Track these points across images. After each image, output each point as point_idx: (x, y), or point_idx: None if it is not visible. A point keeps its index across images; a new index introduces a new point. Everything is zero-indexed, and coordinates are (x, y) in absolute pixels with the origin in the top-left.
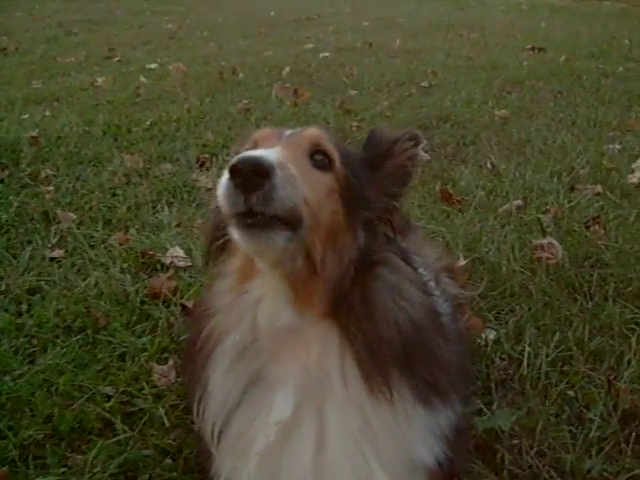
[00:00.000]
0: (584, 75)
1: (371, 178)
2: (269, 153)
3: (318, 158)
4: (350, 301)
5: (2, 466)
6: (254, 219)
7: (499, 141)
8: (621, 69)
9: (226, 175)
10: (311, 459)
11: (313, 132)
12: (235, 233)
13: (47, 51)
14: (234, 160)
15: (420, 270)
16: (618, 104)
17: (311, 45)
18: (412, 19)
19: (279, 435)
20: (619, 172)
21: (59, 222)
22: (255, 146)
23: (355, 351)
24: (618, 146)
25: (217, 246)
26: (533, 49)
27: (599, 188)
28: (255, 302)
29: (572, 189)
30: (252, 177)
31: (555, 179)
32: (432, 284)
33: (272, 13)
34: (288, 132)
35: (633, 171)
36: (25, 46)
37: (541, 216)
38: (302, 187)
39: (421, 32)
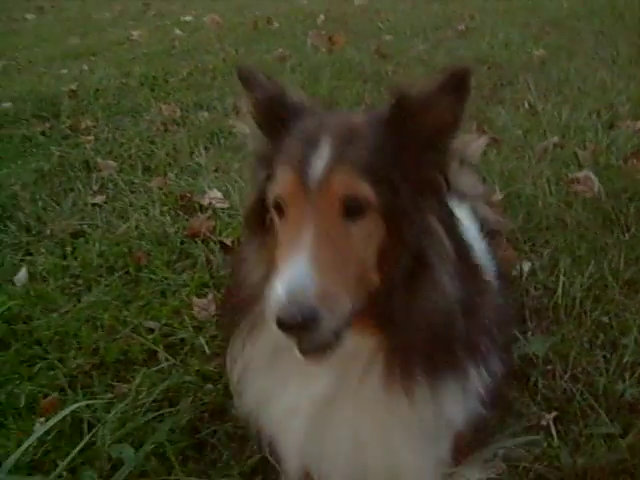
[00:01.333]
0: (627, 13)
1: (407, 153)
2: (306, 287)
3: (353, 207)
4: (395, 311)
5: (53, 393)
6: (314, 354)
7: (537, 81)
8: None
9: (273, 320)
10: (349, 433)
11: (341, 181)
12: (297, 355)
13: (82, 7)
14: (278, 314)
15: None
16: None
17: None
18: None
19: (323, 408)
20: None
21: (100, 170)
22: (281, 204)
23: (386, 348)
24: None
25: (256, 221)
26: None
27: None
28: None
29: (611, 126)
30: (299, 331)
31: (594, 117)
32: (468, 212)
33: None
34: (314, 179)
35: None
36: (60, 3)
37: (578, 150)
38: (347, 301)
39: None
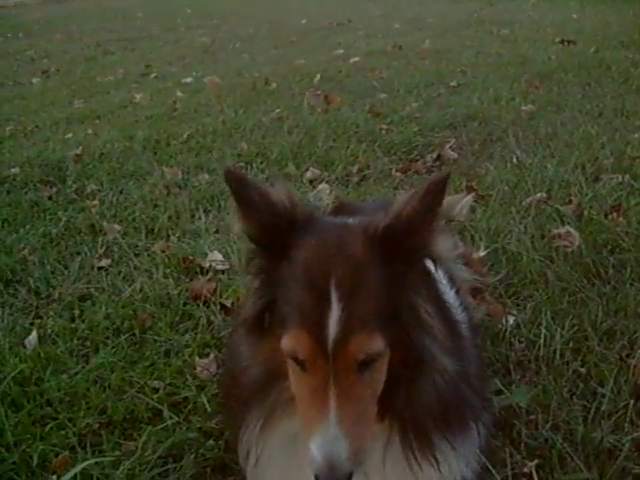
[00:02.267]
0: (613, 65)
1: (402, 268)
2: (341, 453)
3: (369, 362)
4: (396, 400)
5: (64, 451)
6: None
7: (525, 136)
8: None
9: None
10: None
11: (358, 346)
12: None
13: (87, 71)
14: (318, 477)
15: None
16: None
17: (342, 51)
18: (442, 18)
19: None
20: None
21: (105, 233)
22: (303, 364)
23: (401, 432)
24: None
25: (256, 330)
26: (563, 42)
27: (624, 177)
28: None
29: (596, 179)
30: None
31: (579, 170)
32: (444, 279)
33: (303, 21)
34: (330, 344)
35: None
36: (65, 67)
37: (560, 207)
38: (368, 444)
39: (451, 31)
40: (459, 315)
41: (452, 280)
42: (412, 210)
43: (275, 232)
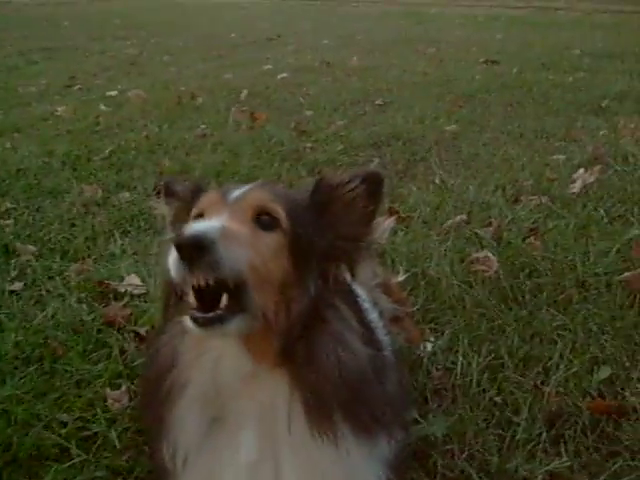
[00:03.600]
0: (534, 87)
1: (321, 225)
2: (212, 226)
3: (264, 219)
4: (297, 352)
5: None
6: (206, 316)
7: (449, 156)
8: (570, 79)
9: (172, 247)
10: None
11: (256, 195)
12: (189, 325)
13: (8, 81)
14: (178, 237)
15: (360, 293)
16: (565, 114)
17: (270, 66)
18: (371, 35)
19: (246, 474)
20: (561, 182)
21: (19, 255)
22: (202, 213)
23: (302, 398)
24: (562, 156)
25: (174, 302)
26: (487, 62)
27: (542, 199)
28: (216, 360)
29: (516, 201)
30: (195, 252)
31: (499, 192)
32: (368, 304)
33: (232, 35)
34: (233, 195)
35: (575, 181)
36: None
37: (478, 230)
38: (246, 254)
39: (378, 49)
40: (382, 336)
41: (375, 304)
42: (344, 181)
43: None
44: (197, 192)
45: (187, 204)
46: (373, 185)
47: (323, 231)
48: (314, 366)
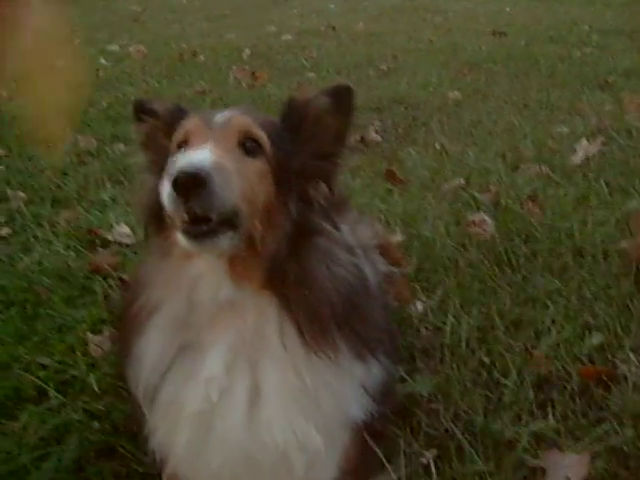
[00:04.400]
0: (541, 59)
1: (296, 146)
2: (204, 157)
3: (249, 145)
4: (287, 272)
5: None
6: (198, 228)
7: (450, 123)
8: (578, 54)
9: (167, 183)
10: (244, 417)
11: (241, 121)
12: (180, 239)
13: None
14: (173, 172)
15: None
16: (571, 88)
17: (274, 28)
18: (378, 1)
19: (211, 394)
20: (562, 153)
21: (9, 200)
22: (187, 140)
23: (293, 316)
24: (566, 129)
25: (155, 222)
26: (494, 33)
27: (542, 168)
28: (195, 278)
29: (516, 168)
30: (191, 187)
31: (499, 159)
32: (362, 260)
33: None
34: (217, 120)
35: (576, 152)
36: None
37: (476, 193)
38: (237, 184)
39: (385, 15)
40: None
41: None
42: (311, 98)
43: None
44: (177, 114)
45: (166, 125)
46: (342, 98)
47: (298, 151)
48: (307, 283)
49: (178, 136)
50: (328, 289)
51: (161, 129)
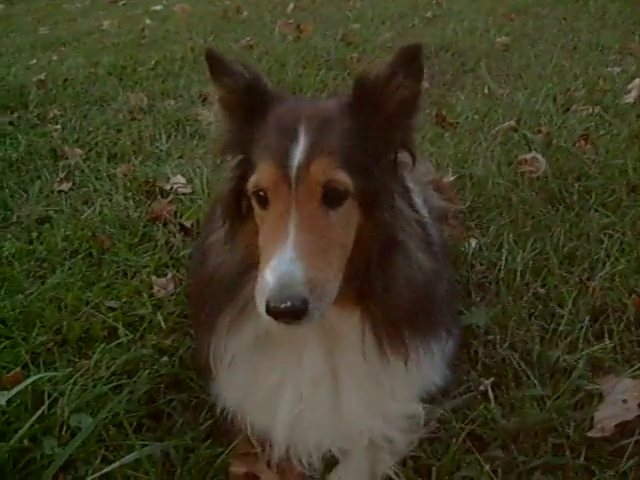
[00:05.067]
0: (591, 0)
1: (374, 133)
2: (298, 281)
3: (333, 195)
4: (374, 285)
5: (16, 368)
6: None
7: (498, 68)
8: None
9: (262, 304)
10: (329, 407)
11: (321, 170)
12: (268, 321)
13: None
14: (269, 301)
15: (410, 186)
16: (622, 28)
17: None
18: None
19: (306, 390)
20: (615, 93)
21: (67, 158)
22: (265, 194)
23: (373, 323)
24: (617, 69)
25: (234, 212)
26: None
27: (594, 109)
28: None
29: (567, 110)
30: (290, 317)
31: (550, 101)
32: (419, 199)
33: None
34: (296, 171)
35: (629, 91)
36: None
37: (527, 133)
38: (331, 281)
39: None
40: (433, 233)
41: (426, 201)
42: (382, 72)
43: (251, 93)
44: (251, 90)
45: (244, 97)
46: (413, 62)
47: (375, 135)
48: (389, 293)
49: (255, 184)
50: (405, 298)
51: (239, 99)
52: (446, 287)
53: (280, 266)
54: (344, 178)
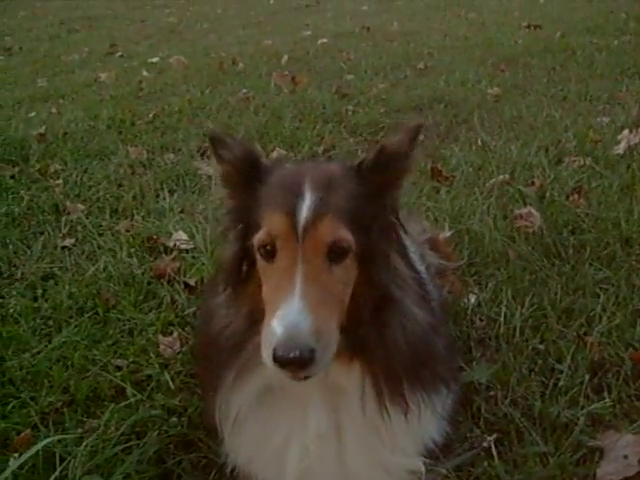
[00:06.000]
0: (578, 50)
1: (377, 197)
2: (304, 330)
3: (337, 253)
4: (368, 339)
5: (26, 430)
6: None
7: (491, 119)
8: (616, 43)
9: (268, 354)
10: (335, 463)
11: (327, 228)
12: (276, 372)
13: (51, 49)
14: (277, 350)
15: (407, 243)
16: (610, 78)
17: (309, 32)
18: (411, 1)
19: (313, 446)
20: (605, 144)
21: (69, 213)
22: (273, 247)
23: (373, 377)
24: (606, 119)
25: (236, 276)
26: (529, 26)
27: (585, 160)
28: None
29: (559, 162)
30: (297, 366)
31: (542, 153)
32: (417, 256)
33: (271, 1)
34: (301, 225)
35: (619, 142)
36: (29, 45)
37: (522, 187)
38: (334, 330)
39: (419, 14)
40: (430, 289)
41: (423, 259)
42: (388, 144)
43: (250, 161)
44: (248, 159)
45: (240, 171)
46: (416, 136)
47: (378, 196)
48: (385, 347)
49: (263, 237)
50: (402, 350)
51: (233, 173)
52: (444, 342)
53: (288, 316)
54: (348, 237)
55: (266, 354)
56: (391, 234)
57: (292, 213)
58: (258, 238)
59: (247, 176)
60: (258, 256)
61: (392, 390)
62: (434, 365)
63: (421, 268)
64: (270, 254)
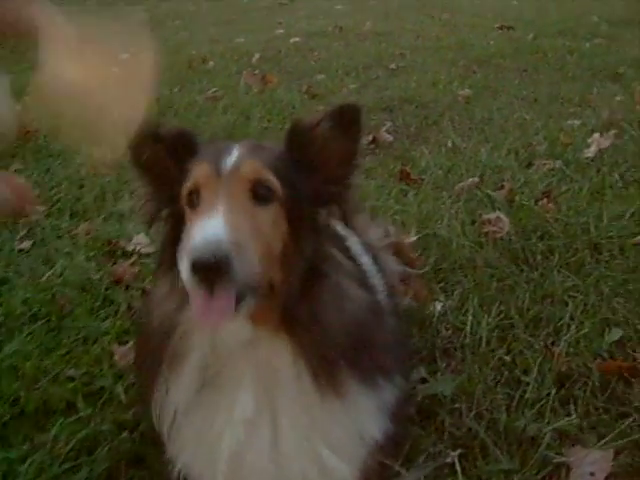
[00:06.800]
0: (550, 52)
1: (305, 174)
2: (221, 235)
3: (260, 192)
4: (299, 314)
5: None
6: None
7: (461, 120)
8: (587, 45)
9: (186, 264)
10: (268, 450)
11: (251, 167)
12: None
13: (17, 43)
14: (191, 252)
15: (355, 249)
16: (581, 80)
17: (282, 31)
18: (384, 1)
19: (243, 432)
20: (575, 147)
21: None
22: (197, 189)
23: (307, 358)
24: (577, 122)
25: (171, 258)
26: (502, 28)
27: (556, 163)
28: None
29: (529, 165)
30: (212, 274)
31: (512, 156)
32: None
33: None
34: (226, 168)
35: (589, 145)
36: None
37: (491, 192)
38: (256, 253)
39: (392, 14)
40: (375, 280)
41: (380, 268)
42: (316, 121)
43: (184, 143)
44: (183, 139)
45: (171, 150)
46: (348, 120)
47: (308, 178)
48: (318, 324)
49: (189, 185)
50: (337, 330)
51: (165, 154)
52: (391, 333)
53: (206, 226)
54: (272, 179)
55: (184, 267)
56: (322, 222)
57: (218, 162)
58: (185, 188)
59: (181, 153)
60: (186, 209)
61: (327, 372)
62: (375, 354)
63: (365, 259)
64: (195, 201)
